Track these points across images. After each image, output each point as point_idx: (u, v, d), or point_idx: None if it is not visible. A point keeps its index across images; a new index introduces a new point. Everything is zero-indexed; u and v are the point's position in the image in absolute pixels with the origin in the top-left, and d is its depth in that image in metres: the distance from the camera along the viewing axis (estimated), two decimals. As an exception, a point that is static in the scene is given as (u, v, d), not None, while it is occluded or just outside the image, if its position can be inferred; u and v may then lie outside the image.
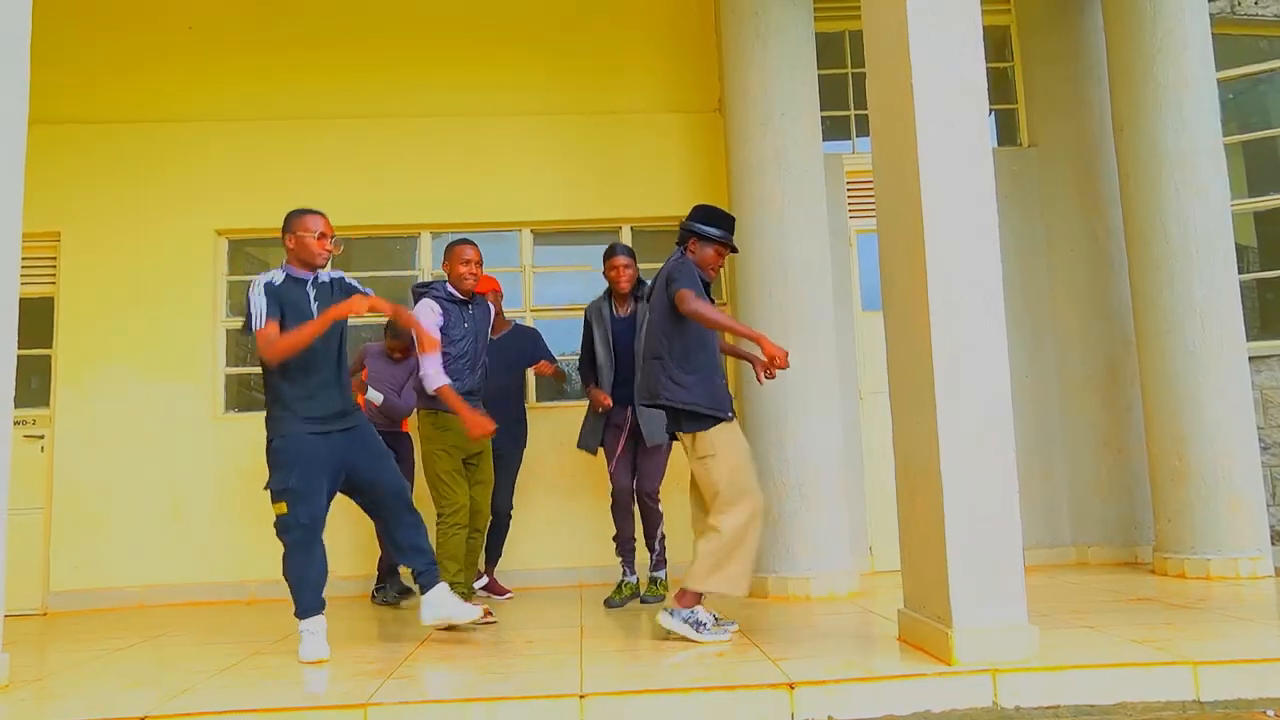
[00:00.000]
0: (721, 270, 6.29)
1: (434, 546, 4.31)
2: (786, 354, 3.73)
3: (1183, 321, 5.23)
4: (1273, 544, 5.73)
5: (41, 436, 5.98)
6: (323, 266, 3.92)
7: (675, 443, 4.39)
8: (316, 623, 3.74)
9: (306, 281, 3.87)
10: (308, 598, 3.74)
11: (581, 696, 2.89)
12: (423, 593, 3.97)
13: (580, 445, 5.11)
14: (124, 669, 3.66)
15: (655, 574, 5.02)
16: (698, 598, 3.77)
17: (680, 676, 3.10)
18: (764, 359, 3.81)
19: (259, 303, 3.73)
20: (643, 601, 4.98)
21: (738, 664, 3.27)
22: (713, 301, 3.96)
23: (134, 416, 5.95)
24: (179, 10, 6.33)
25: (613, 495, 5.00)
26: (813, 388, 5.08)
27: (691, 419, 3.85)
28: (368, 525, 5.04)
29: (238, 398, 6.20)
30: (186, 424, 5.97)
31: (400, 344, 5.39)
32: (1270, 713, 2.84)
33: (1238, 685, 2.98)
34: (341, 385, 3.90)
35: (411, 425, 5.37)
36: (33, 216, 5.74)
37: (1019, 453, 3.41)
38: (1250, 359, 5.75)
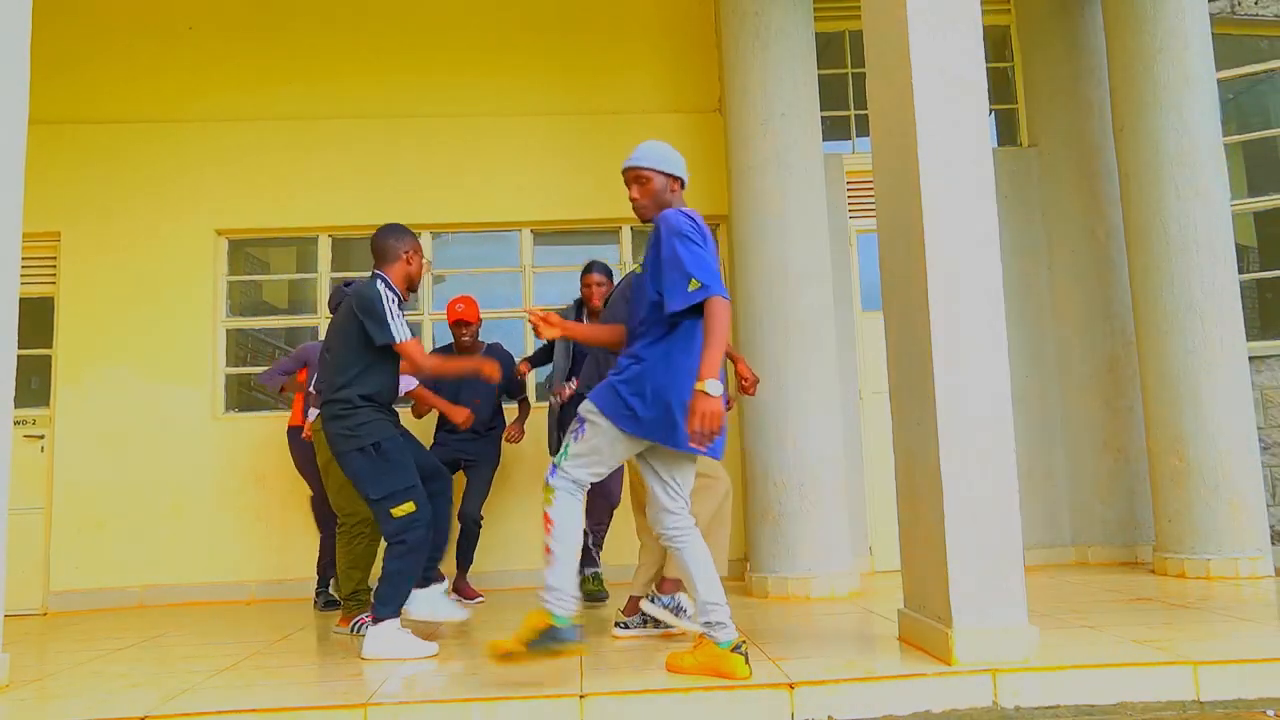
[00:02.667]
0: (722, 271, 6.33)
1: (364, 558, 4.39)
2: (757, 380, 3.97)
3: (1183, 321, 5.23)
4: (1273, 544, 5.73)
5: (41, 436, 5.98)
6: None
7: None
8: (398, 621, 3.76)
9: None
10: (407, 595, 3.76)
11: (581, 696, 2.89)
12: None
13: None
14: (124, 669, 3.66)
15: (593, 570, 5.26)
16: (677, 583, 3.84)
17: (681, 676, 3.10)
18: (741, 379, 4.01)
19: (397, 315, 3.78)
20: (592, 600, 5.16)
21: (738, 664, 3.27)
22: None
23: (134, 416, 5.95)
24: (179, 10, 6.33)
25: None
26: (813, 388, 5.08)
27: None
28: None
29: (238, 398, 6.21)
30: (186, 424, 5.97)
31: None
32: (1270, 713, 2.84)
33: (1238, 685, 2.98)
34: None
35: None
36: (33, 216, 5.78)
37: (1019, 453, 3.41)
38: (1250, 359, 5.75)
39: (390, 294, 3.84)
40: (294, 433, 5.34)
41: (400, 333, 3.76)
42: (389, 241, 3.93)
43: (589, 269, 5.18)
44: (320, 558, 5.38)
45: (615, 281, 5.22)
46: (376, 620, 3.67)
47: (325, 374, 3.90)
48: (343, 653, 3.84)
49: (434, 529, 3.88)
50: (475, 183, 6.25)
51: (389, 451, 3.71)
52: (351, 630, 4.30)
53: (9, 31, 3.49)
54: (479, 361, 3.92)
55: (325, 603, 5.29)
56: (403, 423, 3.97)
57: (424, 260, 4.05)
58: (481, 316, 5.36)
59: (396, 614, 3.70)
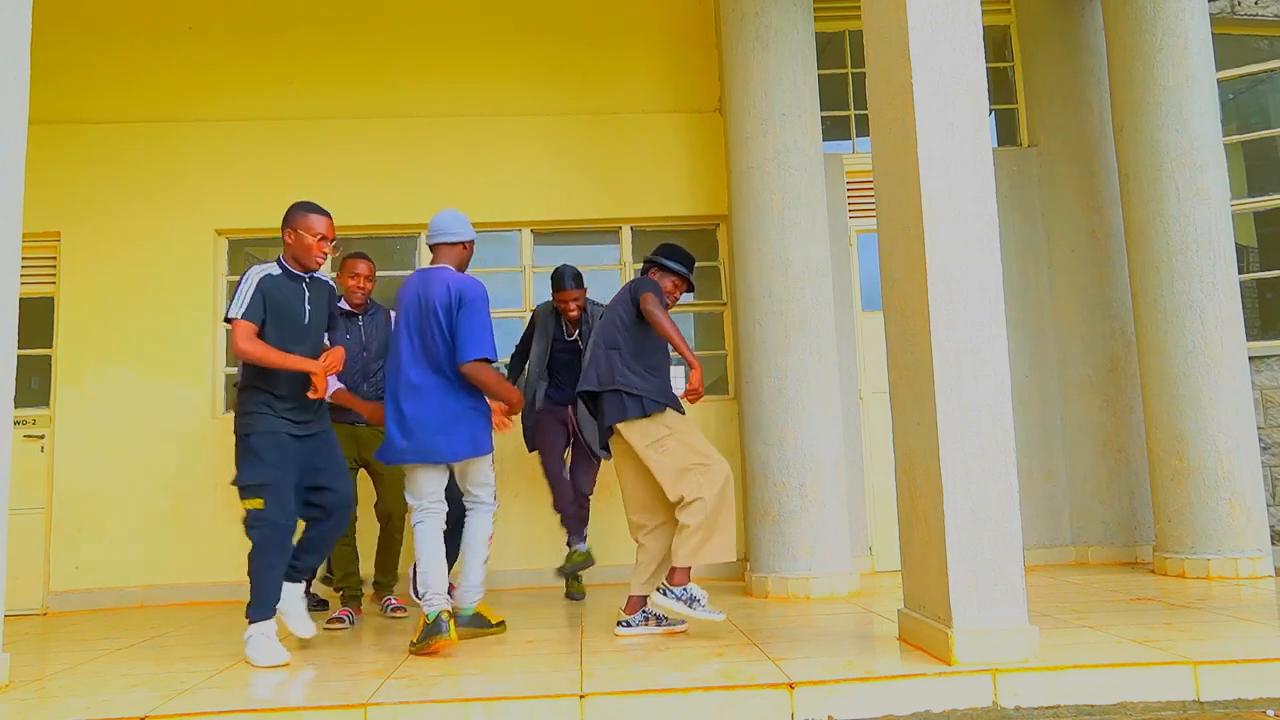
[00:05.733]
0: (722, 270, 6.35)
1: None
2: (701, 394, 3.96)
3: (1183, 321, 5.23)
4: (1273, 544, 5.73)
5: (41, 436, 5.98)
6: (316, 270, 3.88)
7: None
8: (271, 625, 3.69)
9: (302, 280, 3.85)
10: (270, 599, 3.68)
11: (581, 696, 2.89)
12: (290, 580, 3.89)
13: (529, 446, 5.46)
14: (124, 669, 3.66)
15: (580, 546, 5.35)
16: (688, 574, 3.86)
17: (680, 676, 3.10)
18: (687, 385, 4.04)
19: (248, 294, 3.68)
20: (572, 595, 5.36)
21: (738, 664, 3.27)
22: None
23: (134, 416, 5.94)
24: (179, 10, 6.33)
25: (549, 477, 5.34)
26: (813, 388, 5.08)
27: (640, 405, 3.94)
28: (366, 528, 5.06)
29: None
30: (186, 424, 5.97)
31: (575, 294, 5.35)
32: (1270, 713, 2.84)
33: (1238, 685, 2.98)
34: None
35: None
36: (33, 216, 5.77)
37: (1019, 453, 3.41)
38: (1250, 359, 5.76)
39: (259, 272, 3.74)
40: None
41: (234, 308, 3.66)
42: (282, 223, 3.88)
43: (560, 284, 5.29)
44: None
45: (585, 291, 5.37)
46: (250, 622, 3.68)
47: None
48: (341, 653, 3.84)
49: (318, 540, 3.90)
50: (475, 183, 6.25)
51: (256, 447, 3.67)
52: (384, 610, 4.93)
53: (9, 32, 3.49)
54: (306, 363, 3.69)
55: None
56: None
57: (310, 237, 3.78)
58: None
59: (259, 618, 3.66)
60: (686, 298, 6.44)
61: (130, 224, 6.10)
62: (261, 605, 3.66)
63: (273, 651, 3.61)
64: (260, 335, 3.70)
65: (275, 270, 3.80)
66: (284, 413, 3.72)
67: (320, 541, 3.92)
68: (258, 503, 3.64)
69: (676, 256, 4.24)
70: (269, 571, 3.66)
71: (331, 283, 4.04)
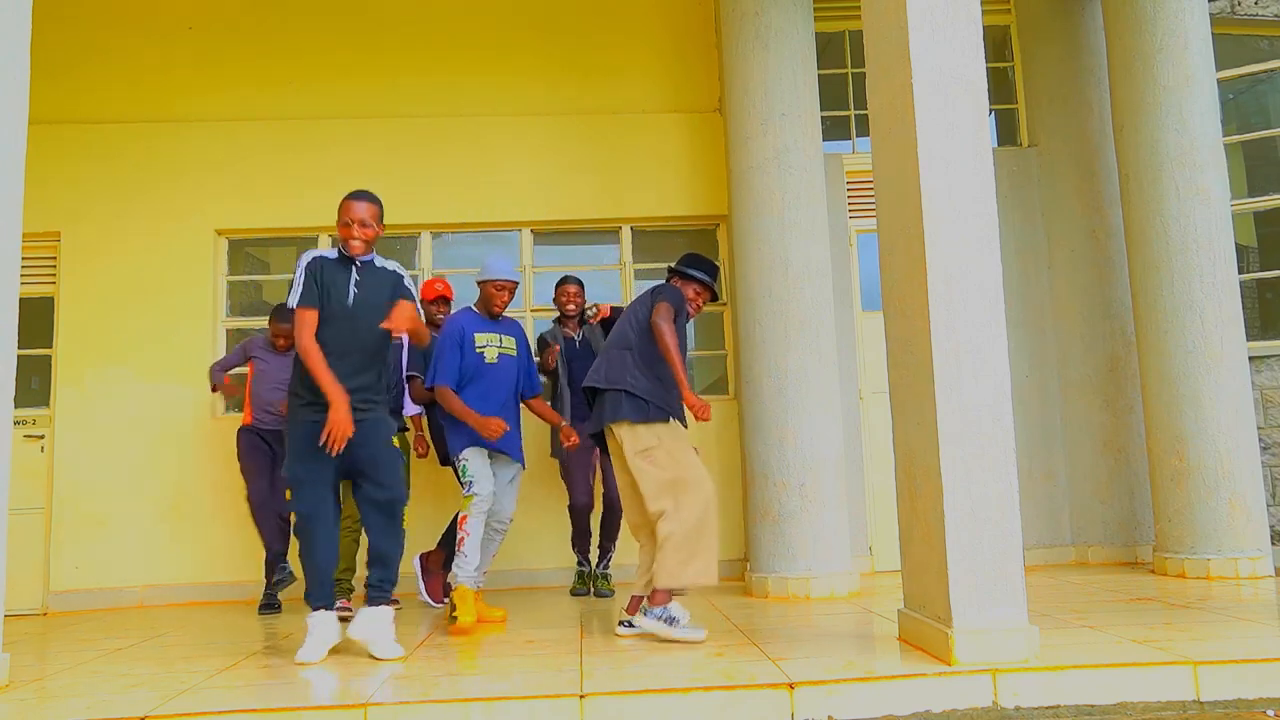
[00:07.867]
0: (722, 271, 6.35)
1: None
2: (708, 406, 3.85)
3: (1183, 321, 5.23)
4: (1273, 544, 5.73)
5: (41, 436, 5.98)
6: (358, 254, 3.83)
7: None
8: (320, 617, 3.69)
9: (352, 265, 3.83)
10: (317, 587, 3.72)
11: (581, 696, 2.89)
12: (367, 604, 3.74)
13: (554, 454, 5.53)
14: (124, 669, 3.66)
15: (607, 571, 5.43)
16: (669, 595, 3.82)
17: (680, 676, 3.10)
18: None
19: (300, 280, 3.76)
20: (599, 596, 5.32)
21: (738, 664, 3.27)
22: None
23: (134, 416, 5.95)
24: (179, 10, 6.33)
25: (576, 509, 5.34)
26: (813, 388, 5.08)
27: (641, 409, 3.91)
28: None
29: (237, 398, 6.20)
30: (186, 424, 5.97)
31: (285, 330, 5.20)
32: (1270, 713, 2.84)
33: (1238, 685, 2.98)
34: (371, 376, 3.85)
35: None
36: (33, 216, 5.78)
37: (1020, 453, 3.41)
38: (1250, 359, 5.76)
39: (310, 255, 3.80)
40: (243, 432, 5.29)
41: (292, 297, 3.75)
42: None
43: (565, 280, 5.49)
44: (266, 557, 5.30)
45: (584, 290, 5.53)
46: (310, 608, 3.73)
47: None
48: (341, 653, 3.83)
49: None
50: (475, 183, 6.26)
51: (290, 438, 3.74)
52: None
53: (9, 31, 3.49)
54: (335, 394, 3.60)
55: (264, 605, 5.24)
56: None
57: (339, 222, 3.82)
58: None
59: (313, 606, 3.70)
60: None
61: (130, 224, 6.10)
62: (311, 593, 3.72)
63: (308, 649, 3.64)
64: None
65: (330, 254, 3.86)
66: (315, 403, 3.70)
67: (386, 545, 3.78)
68: (289, 495, 3.79)
69: (699, 265, 4.22)
70: (309, 562, 3.72)
71: (401, 272, 3.96)
